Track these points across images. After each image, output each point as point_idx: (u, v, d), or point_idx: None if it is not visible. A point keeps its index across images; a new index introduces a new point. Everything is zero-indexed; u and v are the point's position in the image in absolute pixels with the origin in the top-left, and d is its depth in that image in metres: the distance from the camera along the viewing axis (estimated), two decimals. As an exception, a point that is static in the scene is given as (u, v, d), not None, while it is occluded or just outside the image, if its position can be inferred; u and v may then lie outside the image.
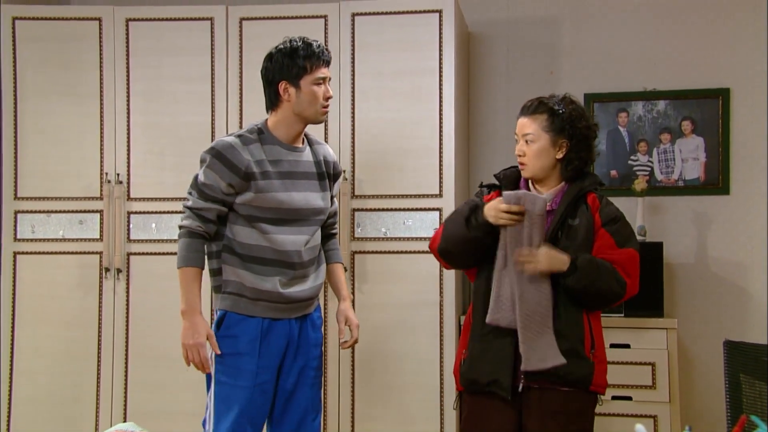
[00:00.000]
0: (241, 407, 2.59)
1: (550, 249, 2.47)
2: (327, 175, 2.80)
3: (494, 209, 2.49)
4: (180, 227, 2.64)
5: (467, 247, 2.56)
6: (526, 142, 2.57)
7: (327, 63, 2.68)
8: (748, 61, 4.01)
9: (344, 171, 3.66)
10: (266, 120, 2.72)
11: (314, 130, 3.61)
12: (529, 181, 2.64)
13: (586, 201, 2.58)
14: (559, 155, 2.58)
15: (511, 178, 2.66)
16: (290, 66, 2.63)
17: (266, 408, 2.66)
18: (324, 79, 2.67)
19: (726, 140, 4.02)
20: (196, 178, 2.64)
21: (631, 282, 2.53)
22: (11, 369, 3.76)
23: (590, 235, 2.54)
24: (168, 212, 3.73)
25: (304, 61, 2.63)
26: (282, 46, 2.66)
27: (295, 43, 2.65)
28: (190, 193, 2.64)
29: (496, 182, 2.71)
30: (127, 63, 3.77)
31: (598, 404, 2.60)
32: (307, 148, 2.76)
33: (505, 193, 2.51)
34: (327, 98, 2.68)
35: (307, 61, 2.63)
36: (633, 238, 2.59)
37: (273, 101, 2.68)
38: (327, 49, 2.69)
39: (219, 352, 2.60)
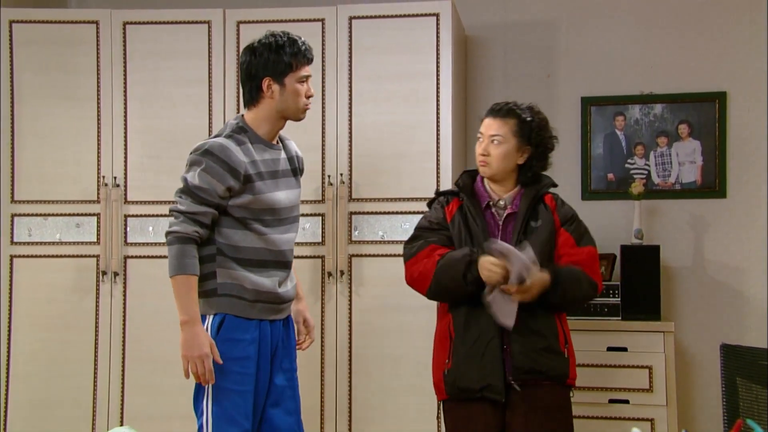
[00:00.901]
0: (244, 413, 2.56)
1: (535, 279, 2.53)
2: (299, 170, 2.81)
3: (487, 268, 2.54)
4: (170, 233, 2.55)
5: (461, 298, 2.65)
6: (492, 142, 2.67)
7: (310, 61, 2.66)
8: (745, 65, 4.02)
9: (341, 174, 3.66)
10: (242, 116, 2.67)
11: (311, 134, 3.63)
12: (485, 182, 2.73)
13: (544, 201, 2.70)
14: (521, 161, 2.69)
15: (468, 184, 2.75)
16: (276, 62, 2.59)
17: (259, 411, 2.65)
18: (307, 77, 2.65)
19: (723, 144, 4.02)
20: (185, 181, 2.58)
21: (599, 281, 2.69)
22: (8, 372, 3.74)
23: (552, 235, 2.66)
24: (165, 215, 3.71)
25: (290, 58, 2.60)
26: (266, 41, 2.62)
27: (280, 39, 2.61)
28: (180, 197, 2.58)
29: (454, 189, 2.80)
30: (125, 66, 3.76)
31: (571, 396, 2.71)
32: (281, 144, 2.74)
33: (495, 247, 2.54)
34: (308, 96, 2.67)
35: (294, 59, 2.60)
36: (588, 234, 2.74)
37: (254, 97, 2.64)
38: (310, 47, 2.67)
39: (221, 361, 2.55)
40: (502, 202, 2.70)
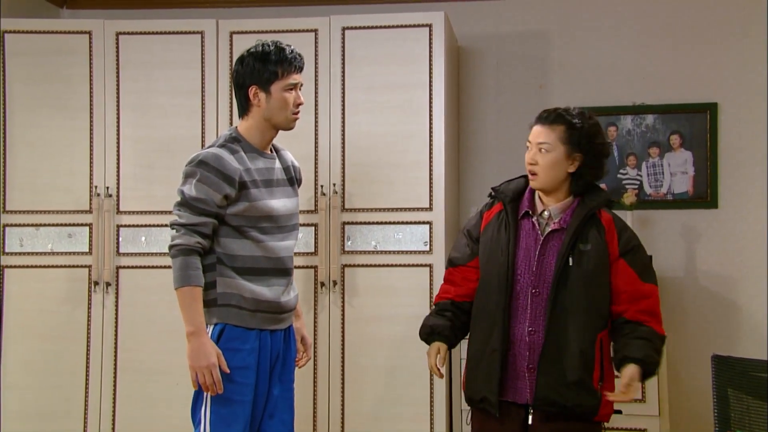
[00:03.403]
0: (243, 423, 2.56)
1: (632, 379, 2.43)
2: (296, 180, 2.81)
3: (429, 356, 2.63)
4: (172, 246, 2.56)
5: None
6: (540, 150, 2.51)
7: (299, 69, 2.66)
8: (736, 76, 4.04)
9: (334, 184, 3.67)
10: (236, 127, 2.69)
11: (304, 144, 3.63)
12: (536, 193, 2.59)
13: (599, 220, 2.51)
14: (571, 169, 2.52)
15: (515, 192, 2.60)
16: (261, 71, 2.60)
17: (257, 422, 2.65)
18: (295, 85, 2.65)
19: (714, 154, 4.04)
20: (182, 194, 2.58)
21: (661, 326, 2.55)
22: (-2, 383, 3.73)
23: (603, 262, 2.48)
24: (157, 225, 3.72)
25: (275, 66, 2.60)
26: (254, 50, 2.63)
27: (267, 48, 2.62)
28: (179, 210, 2.58)
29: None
30: (117, 76, 3.76)
31: (603, 430, 2.59)
32: (275, 154, 2.75)
33: None
34: (297, 105, 2.66)
35: (279, 67, 2.60)
36: (650, 265, 2.58)
37: (244, 106, 2.66)
38: (300, 55, 2.67)
39: (228, 370, 2.54)
40: (546, 213, 2.54)
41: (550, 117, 2.53)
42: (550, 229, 2.51)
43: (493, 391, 2.49)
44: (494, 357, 2.50)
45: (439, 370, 2.62)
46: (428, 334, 2.66)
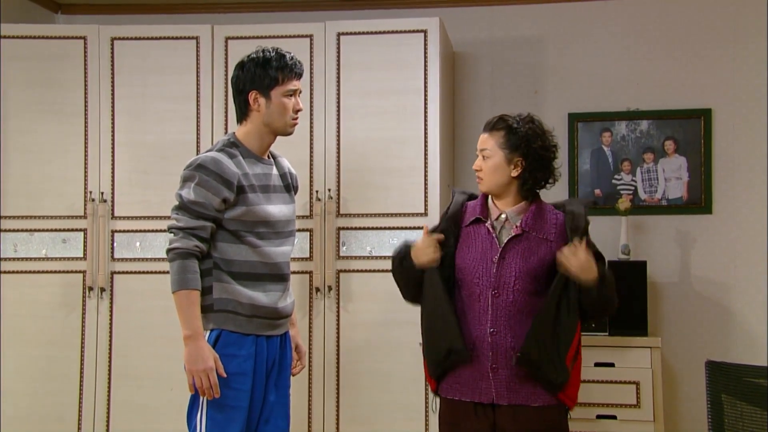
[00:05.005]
0: (239, 428, 2.56)
1: (590, 256, 2.45)
2: (293, 187, 2.82)
3: (419, 248, 2.54)
4: (171, 250, 2.55)
5: (414, 285, 2.66)
6: (483, 157, 2.60)
7: (299, 75, 2.68)
8: (730, 82, 4.06)
9: (329, 189, 3.67)
10: (234, 133, 2.71)
11: (300, 149, 3.64)
12: (489, 197, 2.65)
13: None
14: (515, 173, 2.57)
15: (465, 198, 2.68)
16: (262, 76, 2.62)
17: (253, 427, 2.65)
18: (295, 91, 2.67)
19: (708, 160, 4.06)
20: (180, 197, 2.59)
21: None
22: (-7, 389, 3.72)
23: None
24: (152, 231, 3.72)
25: (276, 72, 2.62)
26: (254, 56, 2.66)
27: (268, 54, 2.64)
28: (177, 214, 2.58)
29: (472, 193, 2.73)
30: (112, 81, 3.76)
31: (568, 419, 2.61)
32: (272, 160, 2.76)
33: None
34: (296, 111, 2.68)
35: (280, 73, 2.63)
36: (601, 261, 2.60)
37: (243, 111, 2.68)
38: (299, 62, 2.69)
39: (225, 375, 2.54)
40: (503, 216, 2.58)
41: (491, 123, 2.61)
42: (513, 234, 2.54)
43: (456, 339, 2.47)
44: (447, 316, 2.49)
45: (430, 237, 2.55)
46: (402, 247, 2.63)
